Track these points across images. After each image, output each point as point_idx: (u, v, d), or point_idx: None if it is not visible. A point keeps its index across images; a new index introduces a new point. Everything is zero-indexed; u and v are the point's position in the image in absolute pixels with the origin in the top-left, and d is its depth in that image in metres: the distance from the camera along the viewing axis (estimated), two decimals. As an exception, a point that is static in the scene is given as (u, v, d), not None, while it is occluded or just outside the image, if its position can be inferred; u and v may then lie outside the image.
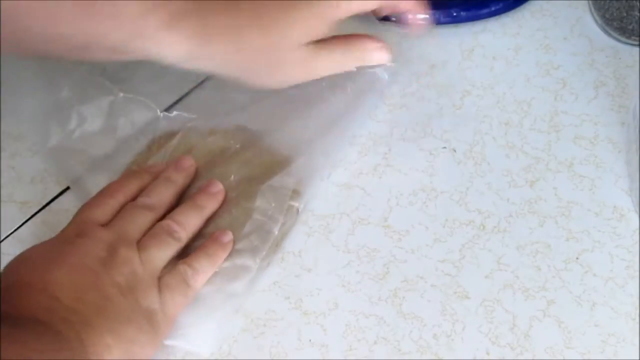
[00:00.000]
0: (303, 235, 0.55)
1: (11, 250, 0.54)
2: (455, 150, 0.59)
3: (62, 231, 0.50)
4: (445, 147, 0.59)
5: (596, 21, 0.65)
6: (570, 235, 0.55)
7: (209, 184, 0.54)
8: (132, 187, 0.53)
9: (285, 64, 0.53)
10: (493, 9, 0.65)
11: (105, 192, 0.52)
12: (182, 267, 0.50)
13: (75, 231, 0.49)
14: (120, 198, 0.52)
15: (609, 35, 0.65)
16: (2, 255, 0.54)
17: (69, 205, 0.56)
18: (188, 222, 0.52)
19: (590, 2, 0.66)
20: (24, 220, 0.55)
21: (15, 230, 0.55)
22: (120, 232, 0.49)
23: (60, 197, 0.57)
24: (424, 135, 0.60)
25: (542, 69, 0.63)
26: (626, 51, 0.64)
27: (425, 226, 0.55)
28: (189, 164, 0.55)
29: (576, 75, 0.63)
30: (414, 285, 0.53)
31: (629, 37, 0.64)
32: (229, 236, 0.52)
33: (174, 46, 0.48)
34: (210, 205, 0.53)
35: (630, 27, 0.63)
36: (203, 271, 0.51)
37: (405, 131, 0.60)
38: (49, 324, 0.43)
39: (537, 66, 0.64)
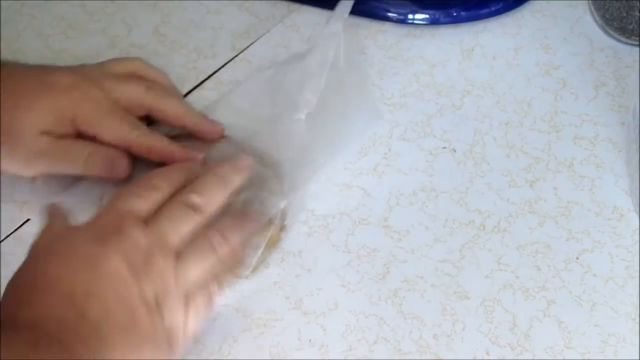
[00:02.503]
0: (303, 235, 0.55)
1: (11, 250, 0.54)
2: (455, 150, 0.59)
3: (97, 220, 0.45)
4: (445, 147, 0.59)
5: (596, 21, 0.66)
6: (570, 235, 0.55)
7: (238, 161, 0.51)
8: (179, 178, 0.48)
9: (18, 148, 0.52)
10: (493, 9, 0.65)
11: (148, 183, 0.47)
12: (211, 285, 0.47)
13: (112, 225, 0.44)
14: (165, 190, 0.47)
15: (609, 35, 0.65)
16: (2, 255, 0.54)
17: (69, 205, 0.56)
18: (235, 239, 0.48)
19: (590, 2, 0.66)
20: (24, 220, 0.55)
21: (15, 230, 0.55)
22: (161, 236, 0.45)
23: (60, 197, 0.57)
24: (424, 135, 0.60)
25: (542, 69, 0.63)
26: (626, 51, 0.64)
27: (425, 226, 0.55)
28: (248, 164, 0.51)
29: (576, 75, 0.63)
30: (414, 285, 0.53)
31: (629, 37, 0.64)
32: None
33: None
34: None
35: (630, 27, 0.63)
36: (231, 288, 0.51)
37: (405, 131, 0.60)
38: (64, 341, 0.40)
39: (537, 66, 0.64)
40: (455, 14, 0.65)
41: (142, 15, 0.66)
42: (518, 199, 0.57)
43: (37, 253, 0.45)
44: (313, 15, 0.66)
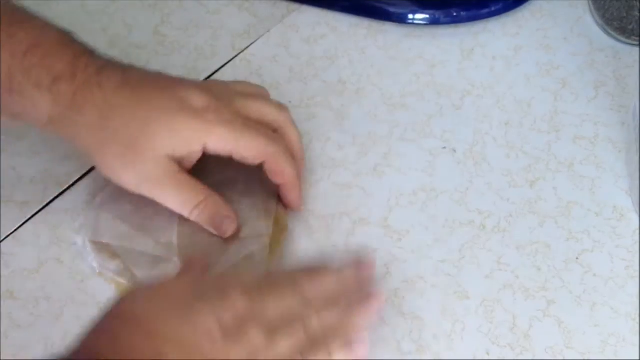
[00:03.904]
0: (303, 236, 0.55)
1: (11, 250, 0.54)
2: (455, 150, 0.59)
3: (203, 280, 0.46)
4: (445, 147, 0.59)
5: (596, 21, 0.66)
6: (570, 235, 0.55)
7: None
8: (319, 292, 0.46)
9: (137, 166, 0.49)
10: (493, 9, 0.65)
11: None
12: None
13: (217, 285, 0.45)
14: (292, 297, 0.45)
15: (609, 35, 0.65)
16: (2, 255, 0.54)
17: (69, 205, 0.56)
18: (335, 335, 0.45)
19: (590, 2, 0.66)
20: (24, 220, 0.55)
21: (15, 230, 0.55)
22: (261, 309, 0.44)
23: (60, 197, 0.57)
24: (424, 135, 0.60)
25: (542, 69, 0.63)
26: (626, 51, 0.64)
27: (425, 226, 0.55)
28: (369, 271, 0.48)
29: (576, 75, 0.63)
30: (414, 285, 0.53)
31: (629, 37, 0.64)
32: None
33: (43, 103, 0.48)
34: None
35: (630, 27, 0.63)
36: None
37: (405, 131, 0.60)
38: None
39: (537, 66, 0.64)
40: (455, 14, 0.65)
41: (142, 15, 0.66)
42: (518, 199, 0.57)
43: (136, 292, 0.45)
44: (313, 15, 0.66)
